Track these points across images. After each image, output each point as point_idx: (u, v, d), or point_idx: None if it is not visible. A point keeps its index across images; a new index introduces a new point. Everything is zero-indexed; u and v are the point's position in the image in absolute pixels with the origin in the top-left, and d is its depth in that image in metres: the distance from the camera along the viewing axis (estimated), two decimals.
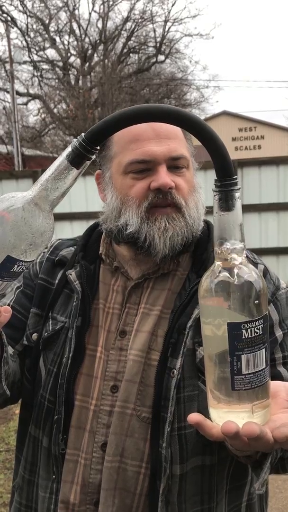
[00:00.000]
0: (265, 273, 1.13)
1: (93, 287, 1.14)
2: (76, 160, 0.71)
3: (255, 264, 1.13)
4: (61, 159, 0.72)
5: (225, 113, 28.43)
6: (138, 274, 1.13)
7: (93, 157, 0.73)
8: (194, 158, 1.15)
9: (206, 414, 0.76)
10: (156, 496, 1.00)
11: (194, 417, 0.73)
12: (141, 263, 1.12)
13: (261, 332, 0.70)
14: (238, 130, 27.66)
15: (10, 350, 1.15)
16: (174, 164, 1.07)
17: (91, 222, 1.27)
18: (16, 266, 0.73)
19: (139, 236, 1.06)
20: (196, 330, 1.03)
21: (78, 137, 0.71)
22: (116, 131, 0.74)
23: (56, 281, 1.19)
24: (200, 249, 1.13)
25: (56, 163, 0.72)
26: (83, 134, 0.72)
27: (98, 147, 0.72)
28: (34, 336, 1.16)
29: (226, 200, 0.70)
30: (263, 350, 0.71)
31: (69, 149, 0.72)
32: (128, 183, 1.07)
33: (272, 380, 0.80)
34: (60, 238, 1.30)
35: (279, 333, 1.08)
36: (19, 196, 0.73)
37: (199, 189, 1.13)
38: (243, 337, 0.69)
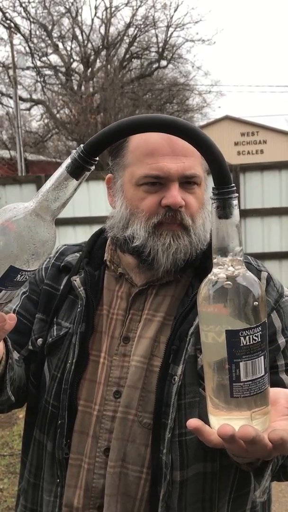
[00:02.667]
0: (269, 280, 1.13)
1: (97, 293, 1.15)
2: (75, 171, 0.72)
3: (259, 271, 1.13)
4: (61, 170, 0.73)
5: (227, 118, 28.41)
6: (142, 281, 1.14)
7: (92, 168, 0.74)
8: (206, 173, 1.16)
9: (207, 421, 0.76)
10: (157, 502, 1.01)
11: (193, 422, 0.74)
12: (146, 271, 1.13)
13: (259, 340, 0.70)
14: (240, 135, 27.63)
15: (15, 355, 1.17)
16: (187, 181, 1.08)
17: (94, 227, 1.28)
18: (19, 275, 0.74)
19: (144, 250, 1.07)
20: (198, 337, 1.02)
21: (77, 148, 0.73)
22: (114, 142, 0.75)
23: (61, 287, 1.20)
24: (204, 257, 1.14)
25: (56, 174, 0.74)
26: (81, 145, 0.73)
27: (97, 158, 0.73)
28: (39, 341, 1.17)
29: (224, 208, 0.71)
30: (262, 357, 0.71)
31: (68, 161, 0.73)
32: (140, 195, 1.08)
33: (274, 387, 0.80)
34: (65, 244, 1.31)
35: (281, 340, 1.08)
36: (21, 207, 0.74)
37: (208, 206, 1.14)
38: (242, 344, 0.69)
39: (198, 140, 0.71)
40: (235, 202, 0.71)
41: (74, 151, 0.73)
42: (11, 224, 0.72)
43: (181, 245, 1.07)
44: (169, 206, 1.06)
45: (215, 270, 0.73)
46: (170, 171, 1.05)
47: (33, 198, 0.75)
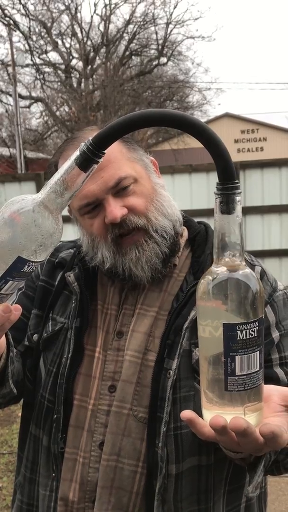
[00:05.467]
0: (262, 275, 1.14)
1: (91, 289, 1.16)
2: (84, 163, 0.73)
3: (252, 266, 1.14)
4: (70, 162, 0.74)
5: (227, 115, 28.43)
6: None
7: (100, 160, 0.74)
8: (147, 159, 1.15)
9: (201, 414, 0.76)
10: (152, 495, 1.01)
11: (187, 414, 0.74)
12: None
13: (256, 335, 0.71)
14: (240, 132, 27.65)
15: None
16: (119, 188, 1.07)
17: None
18: (26, 266, 0.75)
19: (118, 270, 1.09)
20: (193, 332, 1.04)
21: (86, 141, 0.73)
22: (122, 136, 0.75)
23: (56, 283, 1.21)
24: (197, 251, 1.15)
25: (64, 167, 0.74)
26: (90, 138, 0.73)
27: (105, 151, 0.74)
28: (35, 337, 1.18)
29: (227, 203, 0.71)
30: (258, 352, 0.72)
31: (77, 153, 0.74)
32: (88, 223, 1.11)
33: (268, 380, 0.81)
34: (61, 240, 1.31)
35: (275, 334, 1.09)
36: (29, 199, 0.75)
37: (160, 188, 1.13)
38: (238, 338, 0.70)
39: (205, 136, 0.72)
40: (238, 198, 0.72)
41: (82, 143, 0.73)
42: (19, 216, 0.73)
43: (148, 253, 1.08)
44: (112, 223, 1.06)
45: (214, 264, 0.74)
46: (94, 191, 1.06)
47: (41, 190, 0.76)
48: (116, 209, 1.06)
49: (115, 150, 1.07)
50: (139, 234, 1.08)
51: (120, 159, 1.09)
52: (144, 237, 1.08)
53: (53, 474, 1.11)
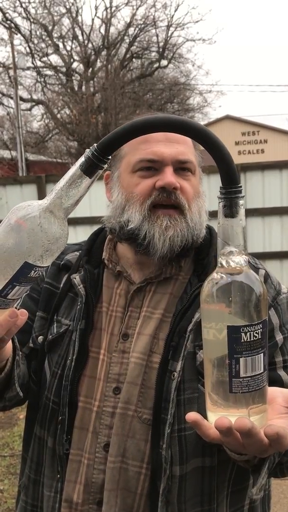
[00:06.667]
0: (266, 277, 1.14)
1: (96, 291, 1.17)
2: (89, 169, 0.74)
3: (256, 269, 1.14)
4: (75, 168, 0.75)
5: (228, 118, 28.46)
6: (140, 278, 1.15)
7: (105, 166, 0.75)
8: (201, 169, 1.19)
9: (206, 416, 0.77)
10: (156, 496, 1.02)
11: (192, 416, 0.75)
12: (144, 267, 1.15)
13: (260, 337, 0.72)
14: (241, 134, 27.67)
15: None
16: (181, 167, 1.11)
17: (94, 227, 1.29)
18: (33, 271, 0.76)
19: (139, 233, 1.09)
20: (197, 334, 1.05)
21: (91, 147, 0.74)
22: (126, 142, 0.76)
23: (61, 285, 1.21)
24: (202, 254, 1.16)
25: (70, 173, 0.75)
26: (95, 144, 0.75)
27: (110, 157, 0.75)
28: (40, 339, 1.18)
29: (230, 207, 0.73)
30: (262, 354, 0.72)
31: (82, 159, 0.75)
32: (135, 181, 1.12)
33: (272, 383, 0.81)
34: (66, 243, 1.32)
35: (279, 337, 1.10)
36: (35, 205, 0.76)
37: (203, 196, 1.17)
38: (242, 341, 0.70)
39: (208, 141, 0.73)
40: (241, 201, 0.73)
41: (87, 150, 0.74)
42: (25, 222, 0.74)
43: (178, 228, 1.09)
44: (163, 187, 1.08)
45: (219, 267, 0.75)
46: (164, 154, 1.09)
47: (47, 196, 0.77)
48: (174, 178, 1.09)
49: (189, 140, 1.13)
50: (176, 212, 1.10)
51: (192, 148, 1.15)
52: (179, 215, 1.10)
53: (58, 476, 1.11)
